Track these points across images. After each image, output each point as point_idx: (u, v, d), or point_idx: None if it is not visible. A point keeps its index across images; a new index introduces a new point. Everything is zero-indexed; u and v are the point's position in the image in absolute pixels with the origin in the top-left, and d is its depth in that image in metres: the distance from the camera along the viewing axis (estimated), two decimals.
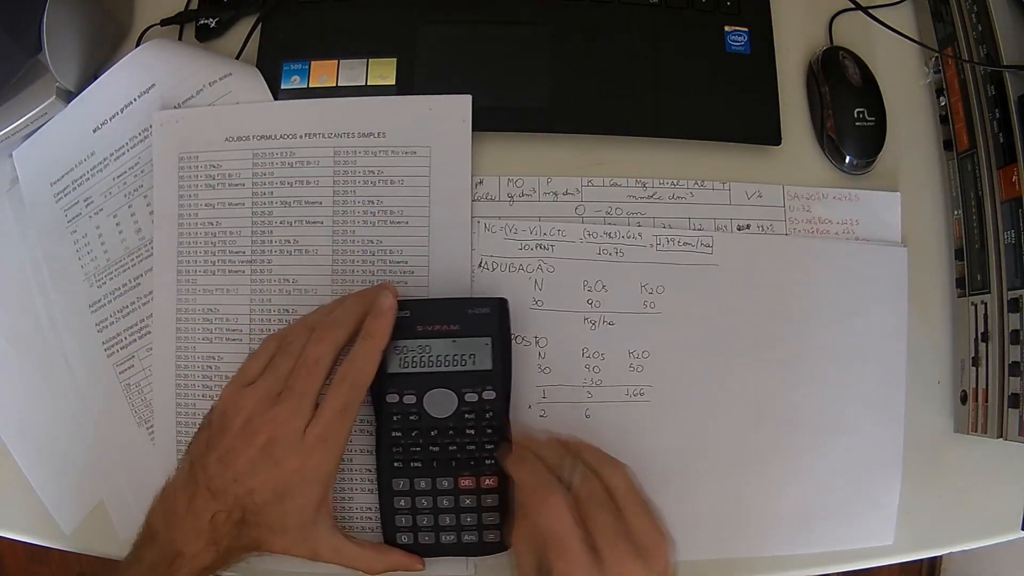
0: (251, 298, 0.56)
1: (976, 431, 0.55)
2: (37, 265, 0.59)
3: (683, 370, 0.56)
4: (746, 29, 0.59)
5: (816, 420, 0.56)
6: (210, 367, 0.56)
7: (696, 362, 0.56)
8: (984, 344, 0.55)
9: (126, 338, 0.57)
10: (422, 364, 0.52)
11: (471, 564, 0.54)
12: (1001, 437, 0.52)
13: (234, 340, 0.56)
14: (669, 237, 0.57)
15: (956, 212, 0.58)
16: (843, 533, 0.56)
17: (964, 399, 0.56)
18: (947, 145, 0.60)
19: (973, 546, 0.57)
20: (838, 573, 0.57)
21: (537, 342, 0.56)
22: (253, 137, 0.57)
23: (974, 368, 0.55)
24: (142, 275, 0.57)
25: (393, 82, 0.58)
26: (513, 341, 0.55)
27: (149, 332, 0.57)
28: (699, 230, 0.57)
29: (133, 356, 0.57)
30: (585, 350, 0.56)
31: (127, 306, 0.57)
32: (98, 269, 0.58)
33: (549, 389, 0.55)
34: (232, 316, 0.56)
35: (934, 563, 1.26)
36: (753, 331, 0.56)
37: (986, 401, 0.54)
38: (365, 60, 0.58)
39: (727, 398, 0.55)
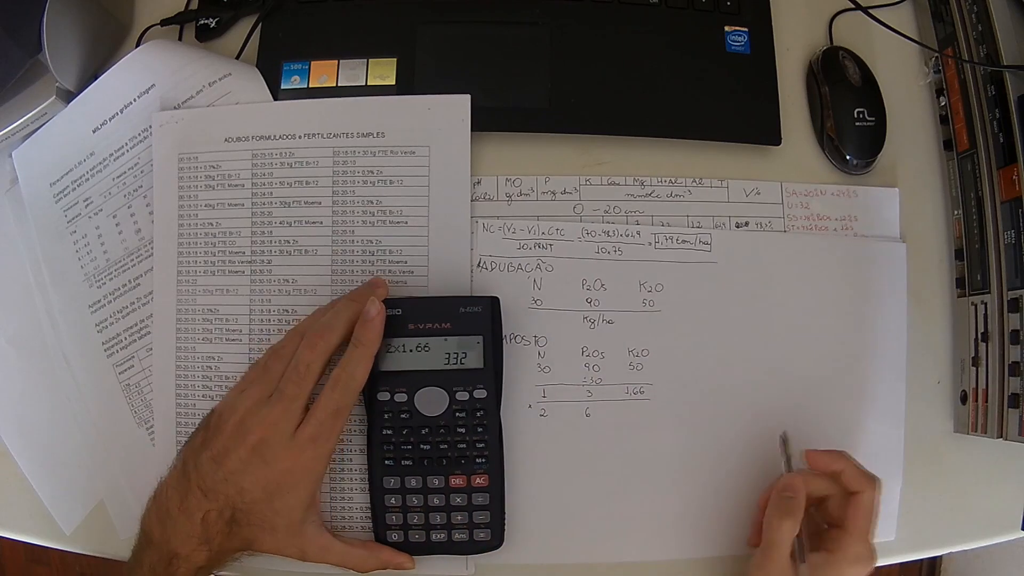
0: (251, 298, 0.56)
1: (976, 431, 0.55)
2: (37, 265, 0.59)
3: (683, 368, 0.56)
4: (746, 29, 0.59)
5: (816, 417, 0.56)
6: (210, 367, 0.56)
7: (696, 359, 0.56)
8: (984, 344, 0.55)
9: (126, 338, 0.57)
10: (413, 362, 0.52)
11: (471, 564, 0.54)
12: (1001, 437, 0.52)
13: (234, 340, 0.56)
14: (667, 235, 0.57)
15: (956, 212, 0.58)
16: None
17: (964, 399, 0.56)
18: (947, 145, 0.60)
19: (973, 546, 0.57)
20: None
21: (536, 341, 0.56)
22: (253, 137, 0.57)
23: (974, 368, 0.55)
24: (142, 275, 0.57)
25: (393, 82, 0.58)
26: (512, 341, 0.55)
27: (149, 332, 0.57)
28: (697, 228, 0.57)
29: (133, 356, 0.57)
30: (585, 349, 0.56)
31: (127, 306, 0.57)
32: (98, 269, 0.58)
33: (549, 388, 0.55)
34: (232, 316, 0.56)
35: (934, 563, 1.26)
36: (752, 328, 0.56)
37: (986, 401, 0.54)
38: (365, 60, 0.58)
39: (727, 395, 0.55)
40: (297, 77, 0.58)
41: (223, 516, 0.47)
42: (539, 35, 0.59)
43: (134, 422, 0.57)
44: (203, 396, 0.55)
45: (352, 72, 0.58)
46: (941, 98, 0.60)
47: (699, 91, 0.58)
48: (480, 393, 0.52)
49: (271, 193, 0.56)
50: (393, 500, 0.52)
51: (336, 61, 0.58)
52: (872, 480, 0.49)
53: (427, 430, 0.52)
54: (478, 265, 0.56)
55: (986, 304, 0.55)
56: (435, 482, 0.52)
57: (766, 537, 0.48)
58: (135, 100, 0.58)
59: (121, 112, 0.58)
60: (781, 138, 0.58)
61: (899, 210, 0.59)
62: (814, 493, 0.49)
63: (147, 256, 0.57)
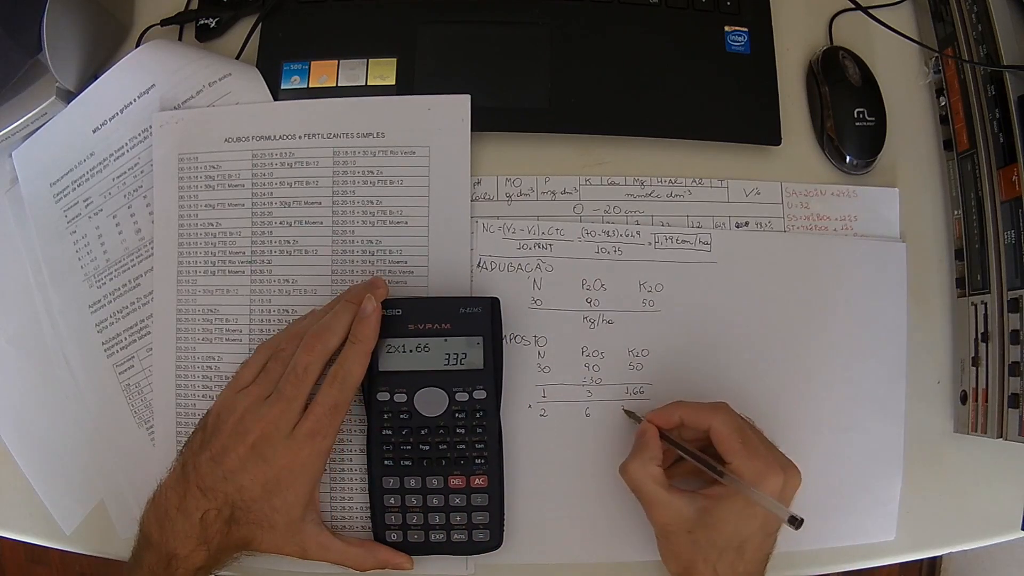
0: (251, 298, 0.56)
1: (976, 431, 0.55)
2: (37, 265, 0.59)
3: (683, 368, 0.56)
4: (746, 29, 0.59)
5: (816, 417, 0.56)
6: (210, 367, 0.56)
7: (696, 359, 0.56)
8: (984, 344, 0.55)
9: (126, 338, 0.57)
10: (413, 363, 0.52)
11: (471, 564, 0.54)
12: (1001, 437, 0.52)
13: (234, 340, 0.56)
14: (667, 235, 0.57)
15: (956, 212, 0.58)
16: (845, 529, 0.56)
17: (964, 399, 0.56)
18: (947, 145, 0.60)
19: (973, 546, 0.57)
20: (838, 573, 0.57)
21: (536, 341, 0.56)
22: (252, 138, 0.57)
23: (974, 368, 0.55)
24: (142, 275, 0.57)
25: (393, 82, 0.58)
26: (512, 341, 0.55)
27: (149, 332, 0.57)
28: (697, 228, 0.57)
29: (133, 356, 0.57)
30: (584, 349, 0.56)
31: (127, 306, 0.57)
32: (98, 270, 0.58)
33: (549, 388, 0.55)
34: (232, 316, 0.56)
35: (934, 563, 1.26)
36: (752, 328, 0.56)
37: (986, 401, 0.54)
38: (365, 60, 0.58)
39: (727, 395, 0.55)
40: (297, 77, 0.58)
41: (222, 515, 0.48)
42: (539, 35, 0.59)
43: (134, 422, 0.57)
44: (203, 396, 0.55)
45: (352, 72, 0.58)
46: (941, 98, 0.60)
47: (699, 91, 0.58)
48: (480, 394, 0.52)
49: (271, 193, 0.56)
50: (392, 500, 0.52)
51: (336, 61, 0.58)
52: (714, 409, 0.50)
53: (426, 430, 0.52)
54: (478, 265, 0.56)
55: (986, 304, 0.55)
56: (434, 482, 0.52)
57: (629, 486, 0.50)
58: (135, 100, 0.58)
59: (121, 112, 0.58)
60: (781, 138, 0.58)
61: (899, 210, 0.59)
62: (685, 435, 0.51)
63: (147, 256, 0.57)
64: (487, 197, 0.57)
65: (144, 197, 0.58)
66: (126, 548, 0.50)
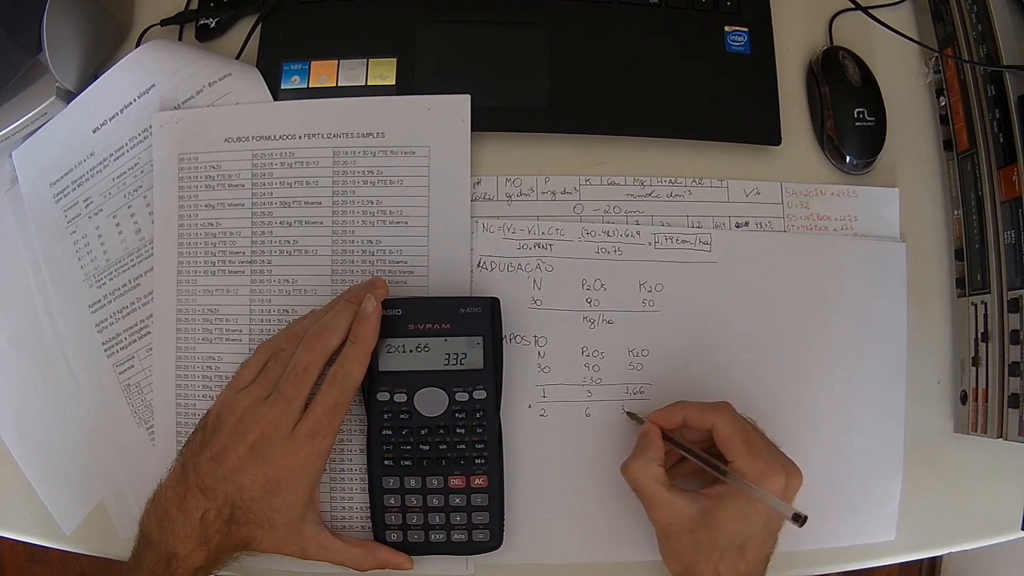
0: (251, 298, 0.56)
1: (976, 431, 0.55)
2: (37, 265, 0.59)
3: (683, 368, 0.56)
4: (746, 29, 0.59)
5: (816, 417, 0.56)
6: (210, 367, 0.56)
7: (696, 359, 0.56)
8: (984, 344, 0.55)
9: (126, 338, 0.57)
10: (413, 363, 0.52)
11: (471, 563, 0.54)
12: (1001, 437, 0.52)
13: (234, 340, 0.56)
14: (667, 235, 0.57)
15: (956, 212, 0.58)
16: (845, 529, 0.56)
17: (964, 399, 0.56)
18: (947, 145, 0.60)
19: (973, 546, 0.57)
20: (838, 573, 0.57)
21: (536, 341, 0.56)
22: (252, 138, 0.57)
23: (974, 368, 0.55)
24: (142, 275, 0.57)
25: (393, 82, 0.58)
26: (512, 341, 0.55)
27: (149, 332, 0.57)
28: (698, 228, 0.57)
29: (133, 356, 0.57)
30: (584, 349, 0.56)
31: (127, 306, 0.57)
32: (98, 270, 0.58)
33: (549, 388, 0.56)
34: (232, 316, 0.56)
35: (934, 563, 1.26)
36: (752, 328, 0.56)
37: (986, 401, 0.54)
38: (365, 60, 0.58)
39: (727, 395, 0.55)
40: (297, 77, 0.58)
41: (222, 515, 0.48)
42: (539, 35, 0.59)
43: (134, 422, 0.57)
44: (203, 396, 0.55)
45: (352, 72, 0.58)
46: (941, 98, 0.60)
47: (699, 91, 0.58)
48: (480, 394, 0.52)
49: (271, 193, 0.56)
50: (392, 500, 0.52)
51: (336, 61, 0.58)
52: (717, 409, 0.50)
53: (426, 430, 0.52)
54: (478, 265, 0.56)
55: (986, 304, 0.55)
56: (434, 482, 0.52)
57: (631, 486, 0.50)
58: (135, 100, 0.58)
59: (121, 112, 0.58)
60: (781, 138, 0.58)
61: (899, 210, 0.59)
62: (687, 436, 0.52)
63: (147, 256, 0.57)
64: (487, 197, 0.57)
65: (144, 197, 0.58)
66: (126, 548, 0.50)
